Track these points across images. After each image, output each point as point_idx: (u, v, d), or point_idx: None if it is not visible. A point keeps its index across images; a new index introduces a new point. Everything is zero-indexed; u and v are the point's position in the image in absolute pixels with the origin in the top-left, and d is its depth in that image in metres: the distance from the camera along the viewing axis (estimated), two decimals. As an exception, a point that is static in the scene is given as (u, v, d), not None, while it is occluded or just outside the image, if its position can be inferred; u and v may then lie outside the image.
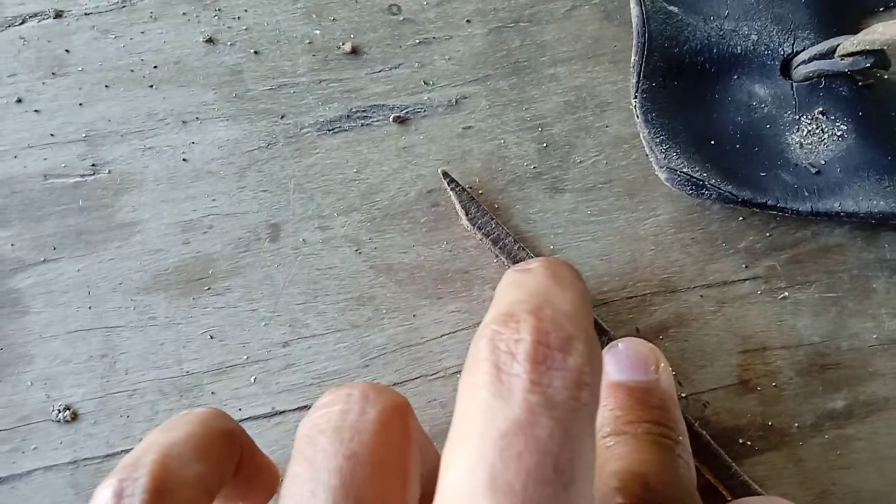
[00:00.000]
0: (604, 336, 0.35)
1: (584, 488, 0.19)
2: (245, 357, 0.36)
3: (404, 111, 0.40)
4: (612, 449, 0.30)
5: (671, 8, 0.40)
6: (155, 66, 0.40)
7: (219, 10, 0.41)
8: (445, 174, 0.39)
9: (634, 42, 0.40)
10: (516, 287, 0.24)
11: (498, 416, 0.19)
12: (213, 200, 0.38)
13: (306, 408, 0.36)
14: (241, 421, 0.35)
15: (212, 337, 0.37)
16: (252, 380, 0.36)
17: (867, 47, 0.37)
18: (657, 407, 0.31)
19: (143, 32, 0.41)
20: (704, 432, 0.35)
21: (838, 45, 0.38)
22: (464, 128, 0.40)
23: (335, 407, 0.23)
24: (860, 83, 0.40)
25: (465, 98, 0.40)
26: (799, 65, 0.39)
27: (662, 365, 0.33)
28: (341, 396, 0.24)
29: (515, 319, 0.21)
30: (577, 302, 0.23)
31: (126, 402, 0.36)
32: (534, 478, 0.19)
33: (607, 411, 0.32)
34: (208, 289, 0.37)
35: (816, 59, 0.39)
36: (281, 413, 0.36)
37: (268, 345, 0.37)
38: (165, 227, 0.38)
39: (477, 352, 0.21)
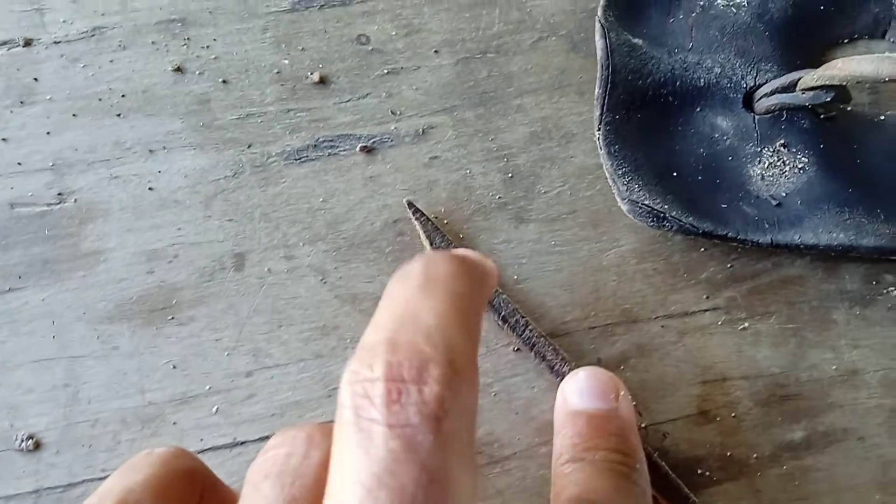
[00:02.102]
0: (565, 366, 0.36)
1: None
2: (208, 387, 0.37)
3: (371, 141, 0.40)
4: (569, 476, 0.30)
5: (635, 41, 0.41)
6: (123, 95, 0.41)
7: (188, 38, 0.42)
8: (410, 204, 0.39)
9: (598, 75, 0.40)
10: (386, 305, 0.24)
11: (361, 469, 0.19)
12: (179, 229, 0.38)
13: (268, 438, 0.36)
14: (202, 451, 0.35)
15: (175, 367, 0.37)
16: (214, 410, 0.36)
17: (827, 82, 0.37)
18: (615, 434, 0.31)
19: (111, 61, 0.41)
20: (663, 463, 0.35)
21: (799, 79, 0.38)
22: (430, 158, 0.40)
23: (280, 450, 0.24)
24: (822, 116, 0.41)
25: (432, 128, 0.41)
26: (761, 98, 0.40)
27: (622, 393, 0.33)
28: (287, 439, 0.24)
29: (372, 355, 0.21)
30: (445, 309, 0.23)
31: (89, 431, 0.36)
32: None
33: (566, 439, 0.32)
34: (172, 318, 0.37)
35: (778, 92, 0.39)
36: (242, 444, 0.36)
37: (231, 374, 0.37)
38: (130, 256, 0.38)
39: (340, 396, 0.21)
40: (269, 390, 0.37)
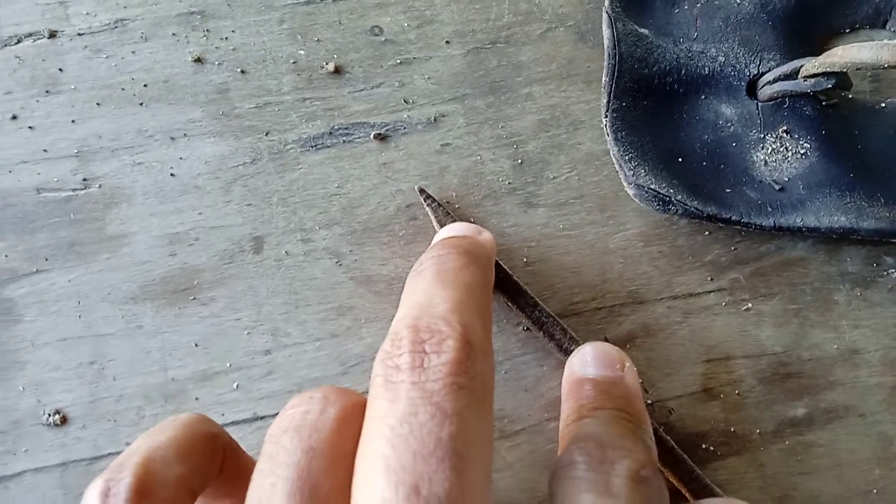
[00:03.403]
0: (573, 344, 0.37)
1: (472, 455, 0.23)
2: (228, 364, 0.38)
3: (385, 129, 0.42)
4: (573, 430, 0.31)
5: (642, 30, 0.42)
6: (145, 85, 0.42)
7: (207, 30, 0.43)
8: (422, 190, 0.40)
9: (605, 63, 0.41)
10: (407, 296, 0.29)
11: (389, 416, 0.23)
12: (199, 214, 0.40)
13: (286, 413, 0.37)
14: (223, 426, 0.36)
15: (196, 345, 0.38)
16: (235, 386, 0.38)
17: (828, 69, 0.38)
18: (622, 397, 0.33)
19: (133, 52, 0.42)
20: (669, 437, 0.36)
21: (801, 67, 0.39)
22: (442, 145, 0.41)
23: (298, 409, 0.26)
24: (824, 103, 0.41)
25: (444, 116, 0.42)
26: (764, 85, 0.41)
27: (627, 365, 0.34)
28: (304, 399, 0.26)
29: (399, 338, 0.25)
30: (457, 297, 0.27)
31: (113, 407, 0.37)
32: (420, 454, 0.22)
33: (573, 402, 0.33)
34: (194, 299, 0.39)
35: (781, 79, 0.40)
36: (262, 418, 0.37)
37: (250, 353, 0.38)
38: (153, 239, 0.39)
39: (374, 373, 0.25)
40: (287, 368, 0.38)
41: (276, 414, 0.36)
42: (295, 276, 0.39)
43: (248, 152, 0.41)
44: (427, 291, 0.28)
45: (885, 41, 0.36)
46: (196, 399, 0.38)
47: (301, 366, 0.38)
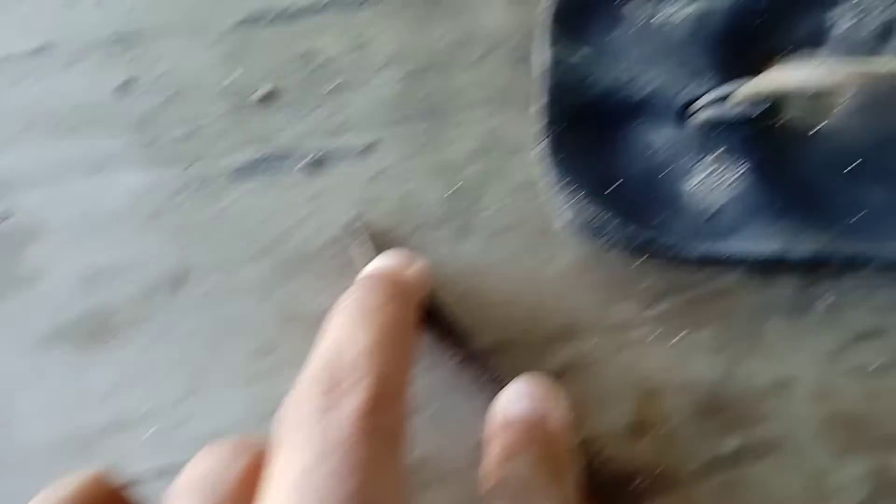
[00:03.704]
0: (503, 381, 0.36)
1: None
2: (144, 410, 0.37)
3: (317, 156, 0.41)
4: (497, 477, 0.31)
5: (577, 55, 0.42)
6: (68, 113, 0.41)
7: (135, 56, 0.42)
8: (355, 220, 0.39)
9: (539, 89, 0.41)
10: (325, 334, 0.29)
11: (291, 467, 0.23)
12: (119, 249, 0.39)
13: (207, 457, 0.36)
14: (136, 475, 0.36)
15: (111, 390, 0.37)
16: (151, 432, 0.37)
17: (760, 94, 0.38)
18: (545, 438, 0.32)
19: (57, 79, 0.41)
20: (598, 477, 0.35)
21: (734, 92, 0.39)
22: (376, 172, 0.41)
23: (202, 464, 0.26)
24: (757, 128, 0.41)
25: (379, 143, 0.41)
26: (697, 110, 0.41)
27: (555, 401, 0.34)
28: (209, 453, 0.26)
29: (312, 380, 0.25)
30: (378, 337, 0.27)
31: (21, 459, 0.36)
32: None
33: (497, 445, 0.32)
34: (110, 340, 0.38)
35: (713, 104, 0.40)
36: (180, 466, 0.36)
37: (168, 397, 0.37)
38: (69, 277, 0.38)
39: (281, 419, 0.25)
40: (208, 413, 0.37)
41: (197, 460, 0.35)
42: (218, 313, 0.38)
43: (173, 183, 0.40)
44: (345, 330, 0.28)
45: (816, 65, 0.36)
46: (109, 448, 0.36)
47: (222, 410, 0.37)
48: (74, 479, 0.27)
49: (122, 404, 0.37)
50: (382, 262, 0.36)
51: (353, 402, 0.24)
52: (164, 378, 0.38)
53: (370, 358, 0.26)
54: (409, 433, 0.27)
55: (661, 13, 0.43)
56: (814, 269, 0.40)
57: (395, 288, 0.32)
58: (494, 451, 0.32)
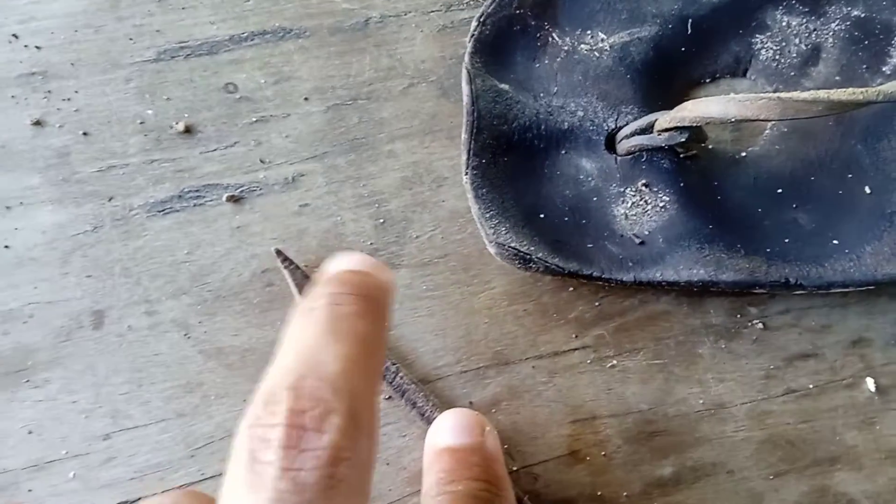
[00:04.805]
0: (436, 412, 0.35)
1: None
2: (64, 452, 0.35)
3: (239, 190, 0.40)
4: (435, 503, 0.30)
5: (502, 86, 0.42)
6: (-22, 151, 0.39)
7: (48, 91, 0.41)
8: (279, 252, 0.39)
9: (464, 120, 0.40)
10: (290, 345, 0.24)
11: None
12: (35, 288, 0.37)
13: (127, 503, 0.35)
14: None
15: (30, 432, 0.35)
16: (71, 475, 0.35)
17: (679, 123, 0.38)
18: (479, 465, 0.31)
19: (-33, 116, 0.40)
20: (536, 503, 0.35)
21: (656, 121, 0.39)
22: (300, 205, 0.40)
23: None
24: (682, 155, 0.41)
25: (303, 176, 0.41)
26: (622, 139, 0.41)
27: (487, 429, 0.33)
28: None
29: (274, 400, 0.21)
30: (350, 353, 0.23)
31: (-64, 504, 0.34)
32: None
33: (432, 476, 0.31)
34: (27, 381, 0.36)
35: (636, 134, 0.40)
36: (100, 510, 0.35)
37: (88, 438, 0.36)
38: (-17, 317, 0.37)
39: (238, 440, 0.21)
40: (129, 453, 0.36)
41: (117, 504, 0.33)
42: (138, 352, 0.37)
43: (90, 220, 0.39)
44: (316, 341, 0.23)
45: (732, 96, 0.36)
46: (29, 491, 0.35)
47: (144, 450, 0.36)
48: None
49: (41, 446, 0.35)
50: (346, 263, 0.28)
51: (325, 438, 0.21)
52: (84, 418, 0.36)
53: (347, 379, 0.22)
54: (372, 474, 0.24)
55: (584, 44, 0.43)
56: (743, 293, 0.40)
57: (371, 294, 0.26)
58: (430, 481, 0.31)
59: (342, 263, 0.28)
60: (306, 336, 0.24)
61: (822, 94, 0.33)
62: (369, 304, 0.26)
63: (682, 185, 0.40)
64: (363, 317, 0.25)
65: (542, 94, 0.42)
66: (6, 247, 0.38)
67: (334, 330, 0.24)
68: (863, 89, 0.33)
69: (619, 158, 0.41)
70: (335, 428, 0.21)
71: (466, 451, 0.32)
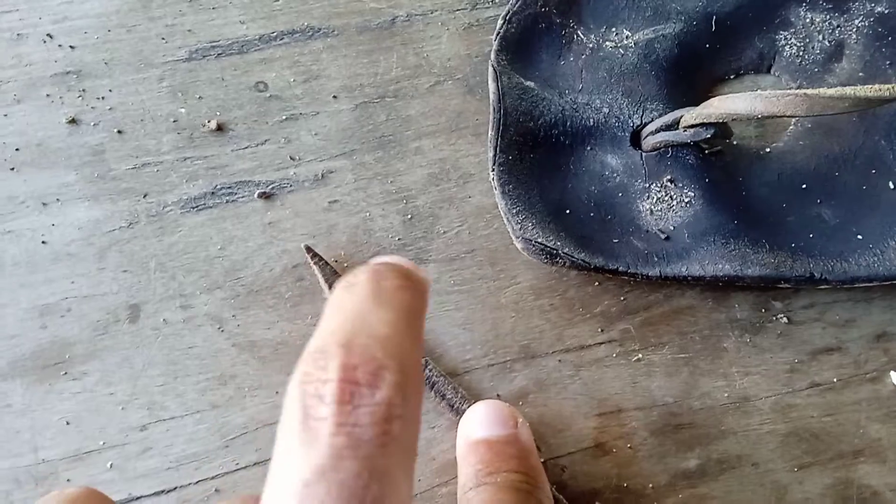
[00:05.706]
0: (465, 404, 0.36)
1: None
2: (102, 442, 0.36)
3: (270, 187, 0.41)
4: (472, 500, 0.30)
5: (527, 83, 0.42)
6: (17, 149, 0.40)
7: (83, 90, 0.42)
8: (309, 249, 0.39)
9: (490, 117, 0.41)
10: (336, 311, 0.23)
11: (302, 465, 0.19)
12: (72, 283, 0.38)
13: (163, 493, 0.36)
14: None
15: (68, 423, 0.36)
16: (109, 465, 0.36)
17: (705, 120, 0.38)
18: (516, 457, 0.32)
19: (6, 115, 0.41)
20: (562, 497, 0.35)
21: (681, 117, 0.40)
22: (330, 202, 0.41)
23: None
24: (707, 151, 0.42)
25: (332, 172, 0.41)
26: (647, 136, 0.41)
27: (520, 421, 0.33)
28: None
29: (325, 357, 0.21)
30: (396, 320, 0.23)
31: (-22, 492, 0.35)
32: None
33: (469, 468, 0.32)
34: (65, 374, 0.37)
35: (662, 130, 0.40)
36: (138, 499, 0.36)
37: (125, 429, 0.36)
38: (23, 311, 0.38)
39: (289, 397, 0.21)
40: (165, 444, 0.36)
41: (153, 493, 0.35)
42: (173, 345, 0.38)
43: (125, 216, 0.40)
44: (362, 309, 0.23)
45: (759, 92, 0.37)
46: (68, 480, 0.36)
47: (179, 441, 0.36)
48: (67, 490, 0.25)
49: (79, 437, 0.36)
50: (387, 258, 0.29)
51: (380, 393, 0.20)
52: (121, 410, 0.37)
53: (396, 340, 0.22)
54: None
55: (609, 41, 0.44)
56: (768, 288, 0.40)
57: (411, 275, 0.26)
58: (467, 473, 0.32)
59: (378, 259, 0.29)
60: (352, 303, 0.23)
61: (849, 90, 0.33)
62: (411, 280, 0.25)
63: (706, 180, 0.41)
64: (406, 290, 0.25)
65: (567, 91, 0.42)
66: (43, 242, 0.39)
67: (379, 298, 0.23)
68: (889, 85, 0.33)
69: (644, 154, 0.41)
70: (389, 384, 0.20)
71: (502, 443, 0.32)
